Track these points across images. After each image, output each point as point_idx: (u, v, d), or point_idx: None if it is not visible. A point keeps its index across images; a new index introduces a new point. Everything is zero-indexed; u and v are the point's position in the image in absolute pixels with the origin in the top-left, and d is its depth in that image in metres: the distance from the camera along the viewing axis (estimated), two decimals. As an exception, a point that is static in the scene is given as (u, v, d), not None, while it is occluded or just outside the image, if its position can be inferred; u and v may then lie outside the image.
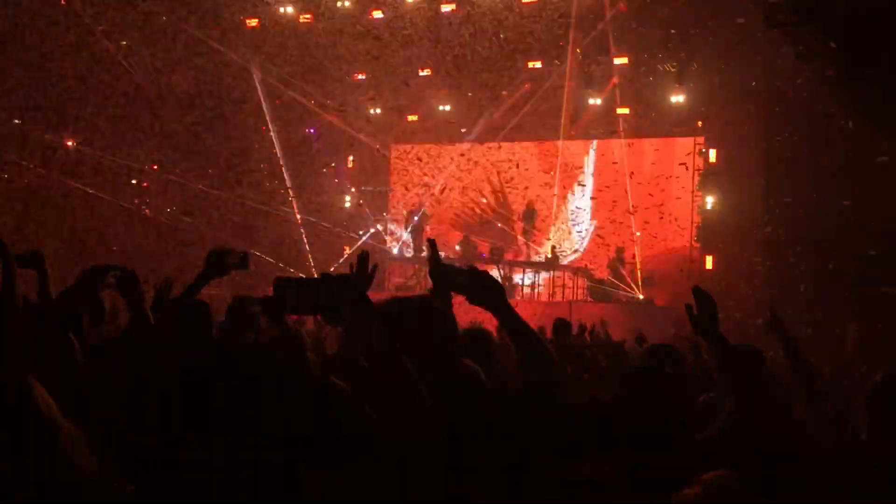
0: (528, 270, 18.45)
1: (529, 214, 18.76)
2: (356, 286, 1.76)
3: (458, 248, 18.37)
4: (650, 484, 2.24)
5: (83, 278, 3.33)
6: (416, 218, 19.38)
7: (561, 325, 7.28)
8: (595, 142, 19.30)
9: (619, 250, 18.21)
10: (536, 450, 1.90)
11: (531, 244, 18.69)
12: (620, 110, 18.38)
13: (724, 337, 3.15)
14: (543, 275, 18.58)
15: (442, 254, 2.13)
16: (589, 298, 17.68)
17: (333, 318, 1.78)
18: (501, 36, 17.43)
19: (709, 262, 17.20)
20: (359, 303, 1.73)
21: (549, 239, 19.02)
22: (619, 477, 2.30)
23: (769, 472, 2.71)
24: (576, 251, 19.21)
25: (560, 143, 19.50)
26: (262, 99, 18.15)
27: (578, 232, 19.50)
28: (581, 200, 19.63)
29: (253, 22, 17.35)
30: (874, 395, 2.87)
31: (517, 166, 19.59)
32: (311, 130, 19.62)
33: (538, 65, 18.11)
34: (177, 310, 3.27)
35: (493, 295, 1.98)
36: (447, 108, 19.42)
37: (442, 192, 20.07)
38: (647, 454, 2.47)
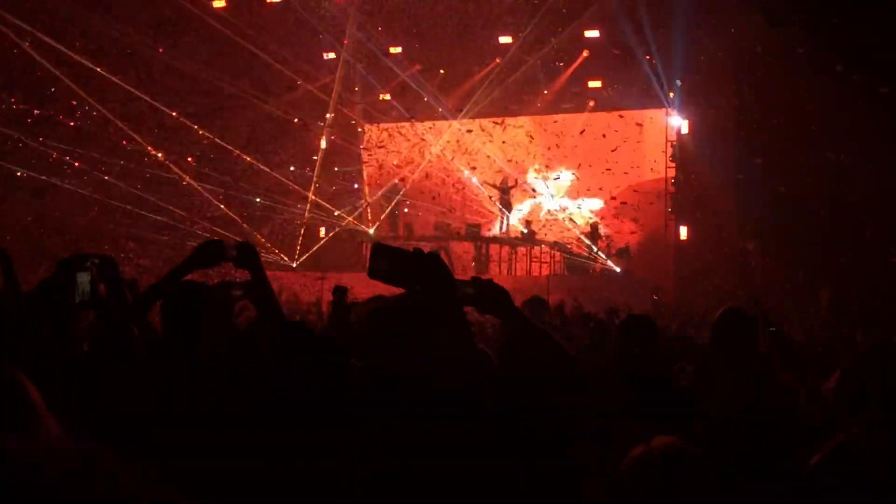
0: (504, 246, 18.50)
1: (505, 190, 18.78)
2: (443, 266, 1.81)
3: (434, 229, 18.41)
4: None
5: (61, 267, 3.31)
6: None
7: (537, 303, 7.18)
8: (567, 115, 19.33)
9: (594, 224, 18.34)
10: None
11: (507, 220, 18.73)
12: (592, 83, 18.44)
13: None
14: (520, 250, 18.64)
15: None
16: (566, 272, 17.83)
17: (416, 291, 1.82)
18: (471, 11, 17.33)
19: (683, 233, 17.39)
20: (445, 281, 1.79)
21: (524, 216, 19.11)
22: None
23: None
24: (548, 218, 19.28)
25: (532, 117, 19.54)
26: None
27: (554, 210, 19.59)
28: (554, 174, 19.73)
29: (220, 2, 17.06)
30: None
31: (489, 142, 19.58)
32: None
33: (508, 40, 18.06)
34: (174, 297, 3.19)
35: (501, 302, 2.02)
36: (419, 85, 19.31)
37: (415, 170, 20.00)
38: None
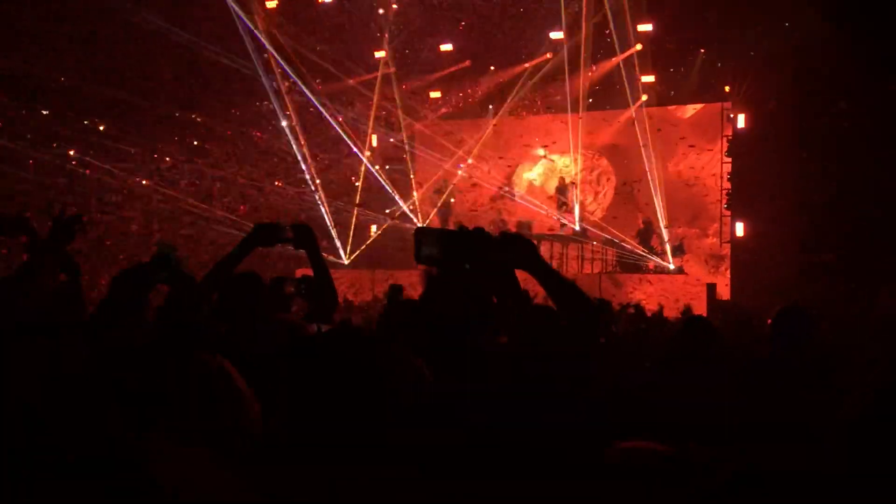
0: (556, 243, 18.26)
1: (563, 189, 18.59)
2: (493, 241, 1.78)
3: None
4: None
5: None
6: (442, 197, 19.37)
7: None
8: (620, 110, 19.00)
9: (647, 220, 18.00)
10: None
11: (564, 218, 18.50)
12: (645, 78, 18.07)
13: None
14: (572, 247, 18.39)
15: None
16: (619, 270, 17.54)
17: (463, 270, 1.79)
18: (521, 10, 17.21)
19: (739, 229, 16.91)
20: (498, 257, 1.78)
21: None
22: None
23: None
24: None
25: (584, 113, 19.26)
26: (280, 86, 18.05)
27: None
28: (606, 171, 19.46)
29: (272, 3, 17.28)
30: None
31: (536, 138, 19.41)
32: None
33: (560, 35, 17.84)
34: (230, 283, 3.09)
35: (528, 255, 1.91)
36: (470, 82, 19.27)
37: (467, 168, 19.91)
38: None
